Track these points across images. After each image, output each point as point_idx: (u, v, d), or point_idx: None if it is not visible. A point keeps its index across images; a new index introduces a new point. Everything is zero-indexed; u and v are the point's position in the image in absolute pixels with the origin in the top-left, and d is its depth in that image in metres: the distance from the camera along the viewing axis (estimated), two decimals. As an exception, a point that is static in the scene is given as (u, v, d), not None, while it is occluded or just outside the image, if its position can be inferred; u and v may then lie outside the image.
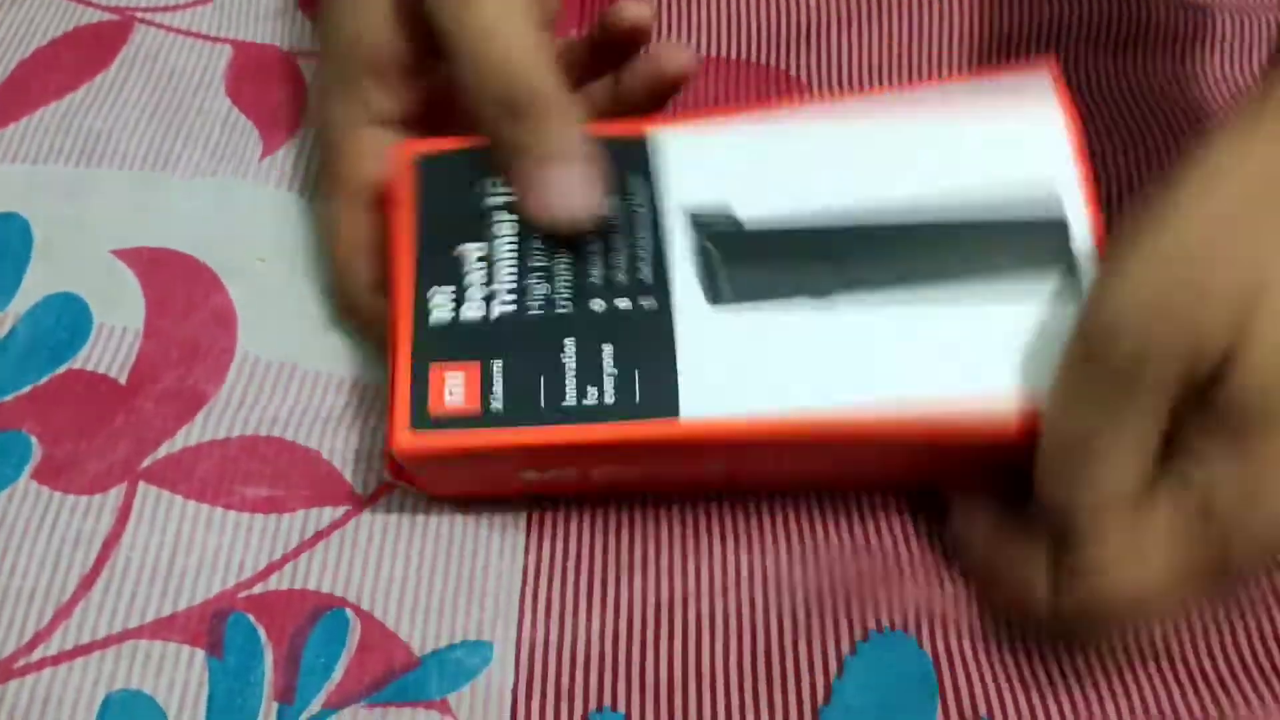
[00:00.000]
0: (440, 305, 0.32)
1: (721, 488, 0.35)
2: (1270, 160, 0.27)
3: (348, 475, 0.35)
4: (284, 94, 0.44)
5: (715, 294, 0.31)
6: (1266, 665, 0.33)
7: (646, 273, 0.32)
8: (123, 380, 0.36)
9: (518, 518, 0.35)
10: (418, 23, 0.33)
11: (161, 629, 0.32)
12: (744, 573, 0.34)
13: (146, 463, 0.35)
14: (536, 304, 0.31)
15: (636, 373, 0.30)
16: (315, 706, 0.32)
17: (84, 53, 0.44)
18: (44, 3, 0.46)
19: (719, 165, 0.33)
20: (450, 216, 0.33)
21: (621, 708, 0.32)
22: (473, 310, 0.31)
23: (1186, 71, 0.45)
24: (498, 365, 0.31)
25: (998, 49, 0.46)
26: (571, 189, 0.32)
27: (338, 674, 0.32)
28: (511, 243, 0.32)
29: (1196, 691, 0.32)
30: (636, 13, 0.35)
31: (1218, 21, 0.46)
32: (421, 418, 0.30)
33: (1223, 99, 0.45)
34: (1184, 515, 0.27)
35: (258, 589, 0.33)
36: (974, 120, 0.33)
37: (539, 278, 0.32)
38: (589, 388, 0.30)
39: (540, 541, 0.35)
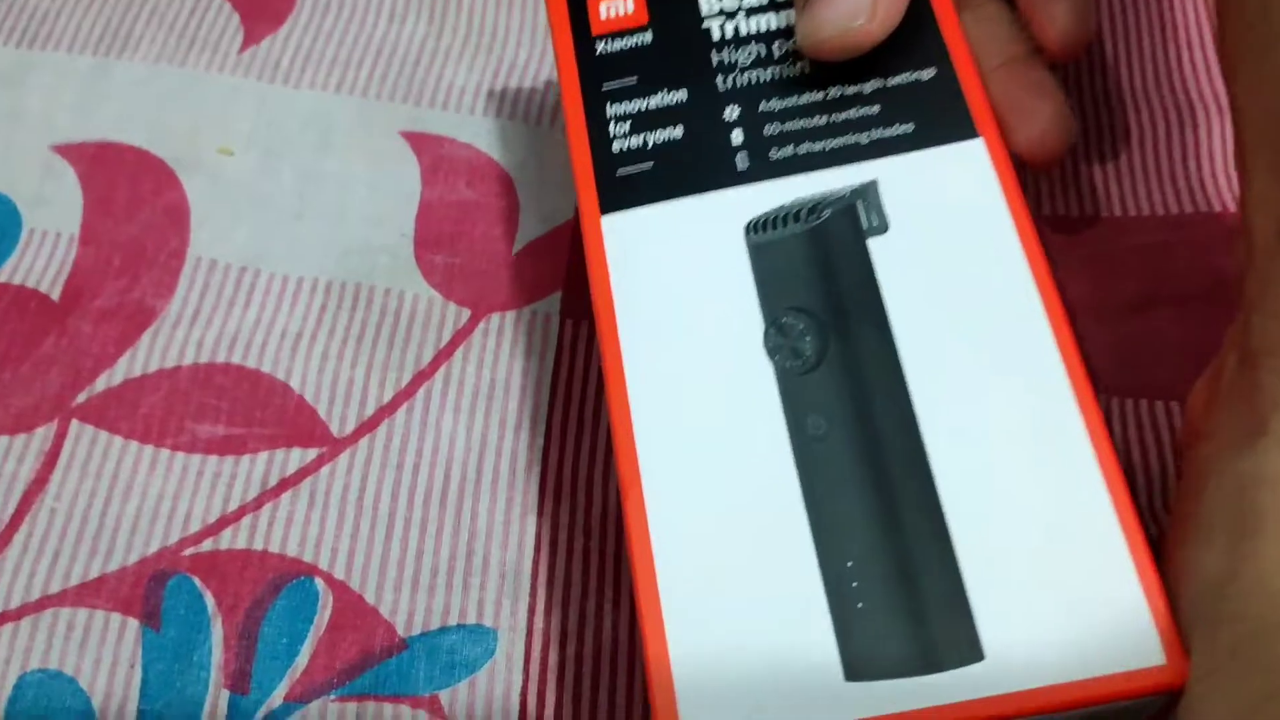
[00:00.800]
0: None
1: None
2: None
3: (322, 410, 0.30)
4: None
5: None
6: None
7: None
8: (54, 296, 0.32)
9: (530, 470, 0.28)
10: None
11: (88, 594, 0.27)
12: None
13: (82, 397, 0.30)
14: None
15: None
16: (275, 698, 0.26)
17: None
18: None
19: None
20: None
21: None
22: None
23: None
24: None
25: None
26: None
27: (303, 658, 0.27)
28: None
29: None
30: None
31: None
32: None
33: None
34: None
35: (207, 546, 0.28)
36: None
37: None
38: None
39: (558, 501, 0.28)
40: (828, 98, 0.26)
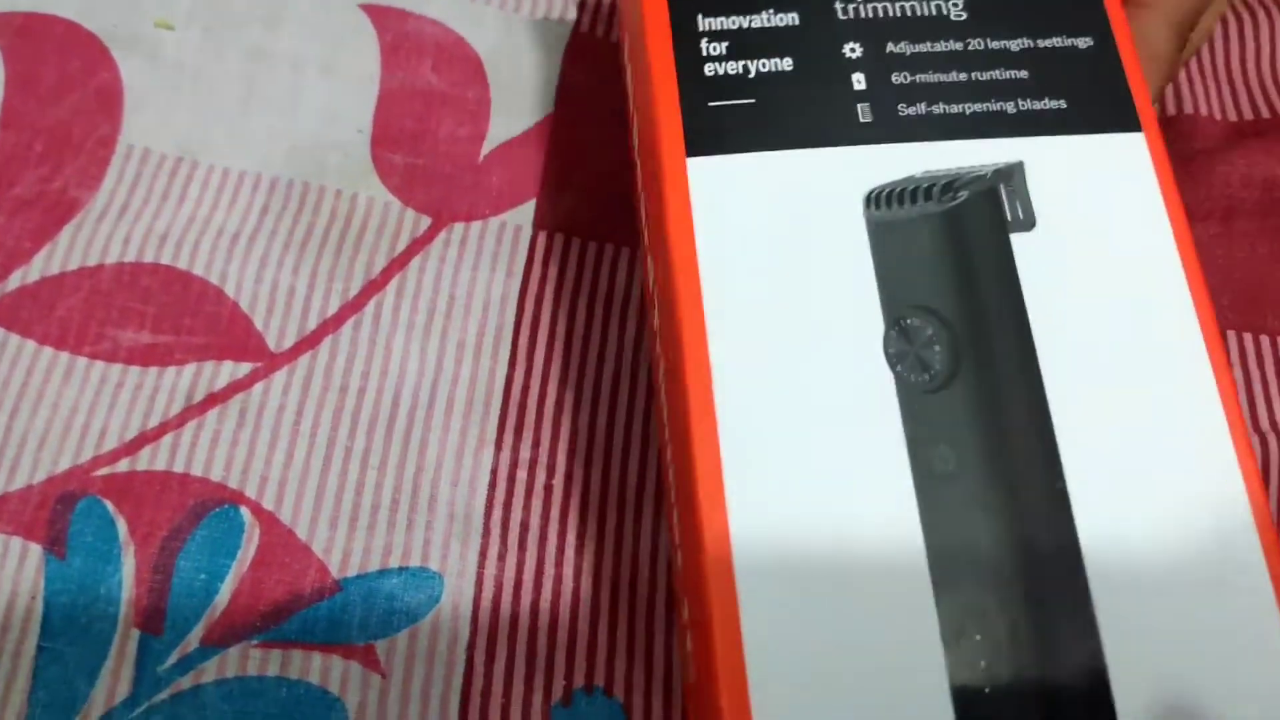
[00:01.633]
0: None
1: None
2: None
3: (258, 320, 0.27)
4: None
5: None
6: None
7: None
8: (-32, 182, 0.29)
9: (490, 399, 0.25)
10: None
11: (-15, 515, 0.25)
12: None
13: (-7, 295, 0.27)
14: None
15: None
16: (191, 641, 0.23)
17: None
18: None
19: None
20: None
21: (619, 691, 0.23)
22: None
23: None
24: None
25: None
26: None
27: (224, 597, 0.24)
28: None
29: None
30: None
31: None
32: None
33: None
34: None
35: (122, 466, 0.25)
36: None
37: None
38: None
39: (519, 435, 0.25)
40: (969, 48, 0.22)
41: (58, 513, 0.24)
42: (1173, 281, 0.20)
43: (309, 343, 0.26)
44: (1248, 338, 0.28)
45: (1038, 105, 0.21)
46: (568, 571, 0.24)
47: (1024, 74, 0.21)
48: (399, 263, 0.27)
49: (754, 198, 0.20)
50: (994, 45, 0.22)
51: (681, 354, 0.20)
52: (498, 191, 0.28)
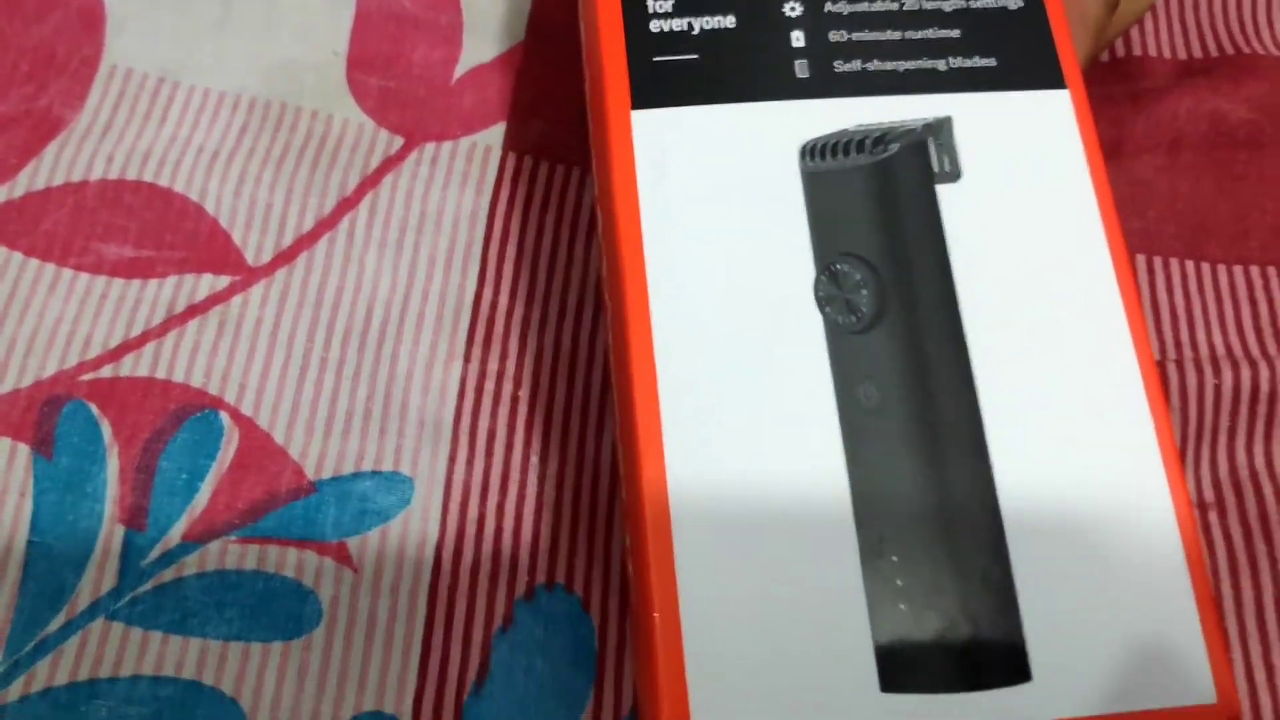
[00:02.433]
0: None
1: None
2: None
3: (237, 236, 0.27)
4: None
5: None
6: None
7: None
8: (-45, 97, 0.29)
9: (459, 312, 0.26)
10: None
11: (-25, 418, 0.25)
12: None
13: (-19, 206, 0.28)
14: None
15: None
16: (173, 536, 0.24)
17: None
18: None
19: None
20: None
21: (578, 587, 0.24)
22: None
23: None
24: None
25: None
26: None
27: (204, 495, 0.25)
28: None
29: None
30: None
31: None
32: None
33: None
34: None
35: (106, 371, 0.26)
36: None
37: None
38: None
39: (487, 347, 0.26)
40: (904, 8, 0.22)
41: (45, 415, 0.25)
42: (1090, 231, 0.21)
43: (285, 257, 0.27)
44: (1189, 265, 0.29)
45: (968, 63, 0.22)
46: (531, 477, 0.26)
47: (956, 33, 0.22)
48: (371, 181, 0.28)
49: (695, 149, 0.21)
50: (928, 6, 0.22)
51: (624, 301, 0.20)
52: (469, 113, 0.29)
